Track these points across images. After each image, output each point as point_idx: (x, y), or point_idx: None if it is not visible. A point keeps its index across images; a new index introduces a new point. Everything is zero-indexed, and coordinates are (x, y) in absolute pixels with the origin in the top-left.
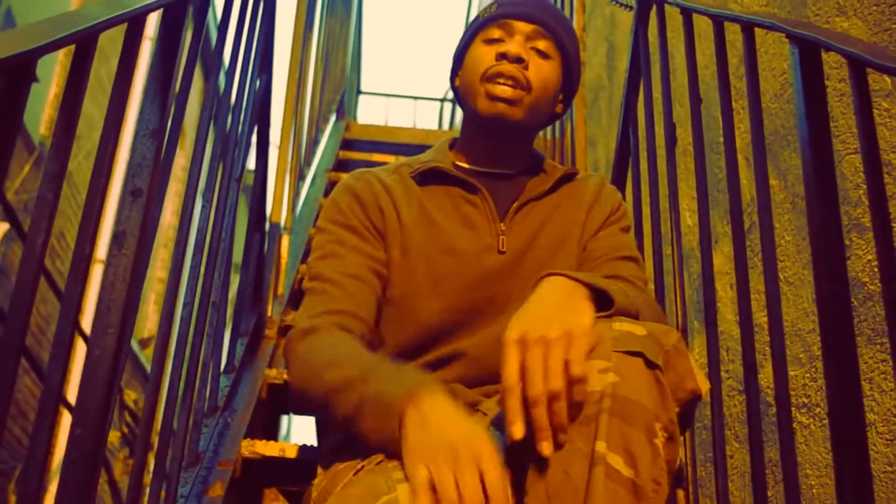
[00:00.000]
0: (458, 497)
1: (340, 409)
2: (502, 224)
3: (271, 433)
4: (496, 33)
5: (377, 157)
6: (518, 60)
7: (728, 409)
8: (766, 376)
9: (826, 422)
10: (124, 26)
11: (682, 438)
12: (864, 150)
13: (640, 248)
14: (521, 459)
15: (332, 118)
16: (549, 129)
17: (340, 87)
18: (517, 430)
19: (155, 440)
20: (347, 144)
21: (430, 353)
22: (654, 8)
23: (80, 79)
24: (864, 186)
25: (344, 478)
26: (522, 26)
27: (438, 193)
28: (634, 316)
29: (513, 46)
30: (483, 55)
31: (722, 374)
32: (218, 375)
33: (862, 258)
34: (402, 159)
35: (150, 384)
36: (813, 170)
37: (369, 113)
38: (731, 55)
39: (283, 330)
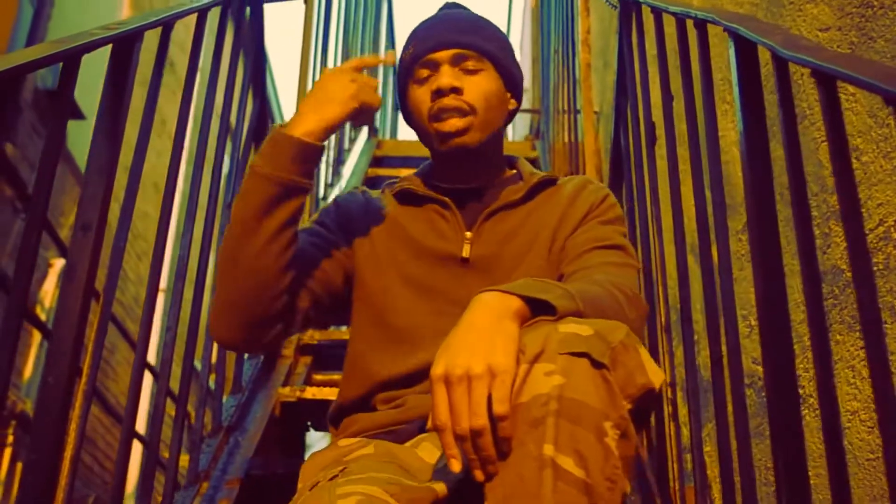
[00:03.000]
0: None
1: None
2: (469, 232)
3: (290, 450)
4: (423, 73)
5: (404, 171)
6: (453, 91)
7: None
8: None
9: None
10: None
11: (638, 433)
12: (787, 143)
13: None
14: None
15: (363, 137)
16: (563, 134)
17: None
18: (455, 465)
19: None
20: (377, 161)
21: (405, 360)
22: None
23: (2, 124)
24: None
25: (301, 495)
26: (442, 55)
27: (414, 210)
28: (583, 315)
29: (443, 80)
30: (420, 97)
31: None
32: (220, 396)
33: (840, 245)
34: (393, 179)
35: (128, 404)
36: (749, 160)
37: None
38: (725, 49)
39: (302, 348)
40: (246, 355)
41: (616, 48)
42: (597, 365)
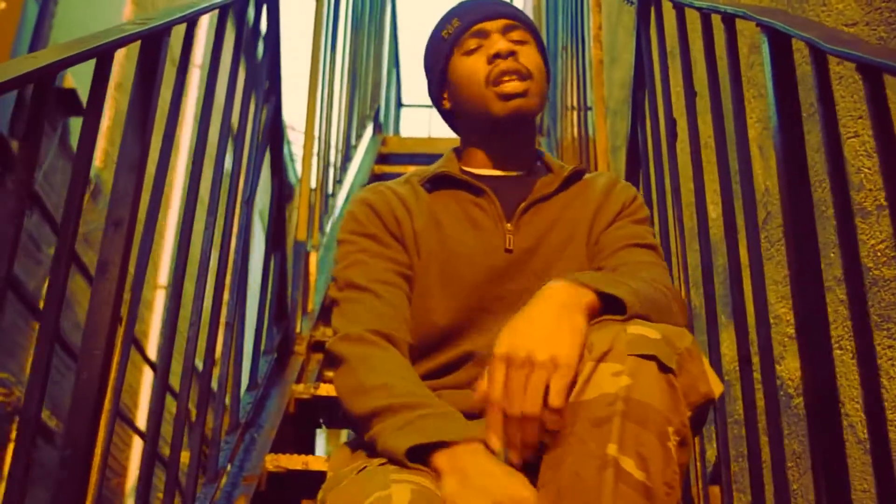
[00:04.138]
0: None
1: (382, 436)
2: (509, 224)
3: (304, 447)
4: (473, 43)
5: (410, 168)
6: (511, 54)
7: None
8: (786, 368)
9: (843, 413)
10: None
11: (694, 441)
12: (826, 135)
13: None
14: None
15: (368, 134)
16: (572, 130)
17: (375, 103)
18: (495, 443)
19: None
20: (383, 159)
21: (441, 353)
22: (653, 6)
23: (38, 122)
24: (865, 171)
25: (346, 477)
26: (493, 25)
27: (447, 198)
28: (647, 317)
29: (500, 44)
30: (473, 65)
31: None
32: (237, 394)
33: (866, 243)
34: (414, 169)
35: (153, 404)
36: (784, 157)
37: (413, 125)
38: (742, 44)
39: (314, 346)
40: (261, 350)
41: (623, 43)
42: (664, 369)
